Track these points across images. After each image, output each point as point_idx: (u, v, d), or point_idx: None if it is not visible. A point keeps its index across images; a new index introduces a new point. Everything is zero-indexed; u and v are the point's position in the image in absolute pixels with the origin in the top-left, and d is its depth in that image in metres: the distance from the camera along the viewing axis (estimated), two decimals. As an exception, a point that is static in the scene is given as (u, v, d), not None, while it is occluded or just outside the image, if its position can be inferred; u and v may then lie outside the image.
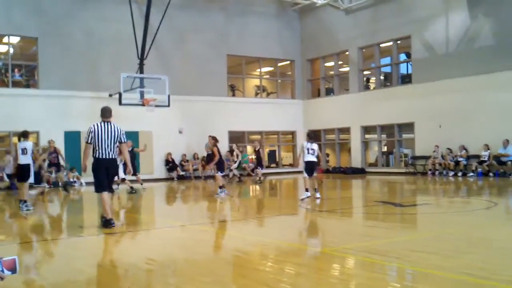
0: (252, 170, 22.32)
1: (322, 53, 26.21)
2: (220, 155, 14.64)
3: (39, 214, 11.63)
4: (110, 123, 8.59)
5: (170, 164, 23.00)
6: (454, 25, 20.15)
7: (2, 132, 20.73)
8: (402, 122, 22.68)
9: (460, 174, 19.56)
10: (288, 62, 27.61)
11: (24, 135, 12.01)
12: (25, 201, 11.66)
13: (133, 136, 18.97)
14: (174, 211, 12.85)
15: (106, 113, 8.63)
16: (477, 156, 19.39)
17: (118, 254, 6.91)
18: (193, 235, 8.21)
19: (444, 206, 11.47)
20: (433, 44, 21.02)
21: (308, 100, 27.20)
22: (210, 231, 8.67)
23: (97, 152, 8.47)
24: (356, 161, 24.59)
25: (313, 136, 13.02)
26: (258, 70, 27.46)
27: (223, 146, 20.98)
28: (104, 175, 8.55)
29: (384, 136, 24.99)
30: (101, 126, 8.52)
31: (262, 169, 20.36)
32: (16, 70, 21.03)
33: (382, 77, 25.31)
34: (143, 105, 19.47)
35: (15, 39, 21.31)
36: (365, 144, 24.89)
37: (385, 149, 26.04)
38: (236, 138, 25.15)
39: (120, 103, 18.74)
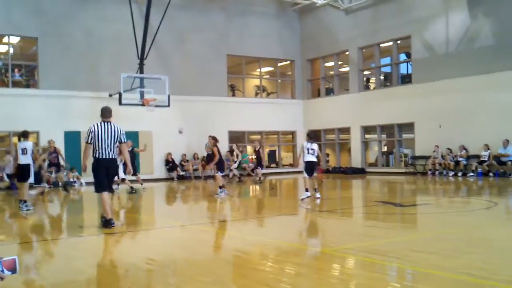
0: (252, 170, 22.31)
1: (322, 53, 26.21)
2: (220, 155, 14.64)
3: (39, 214, 11.63)
4: (110, 123, 8.60)
5: (170, 164, 22.99)
6: (454, 25, 20.15)
7: (2, 132, 20.73)
8: (402, 122, 22.68)
9: (460, 174, 19.56)
10: (288, 62, 27.60)
11: (24, 135, 12.01)
12: (25, 201, 11.66)
13: (133, 136, 18.97)
14: (174, 211, 12.85)
15: (106, 113, 8.63)
16: (477, 156, 19.39)
17: (118, 254, 6.91)
18: (193, 235, 8.21)
19: (444, 206, 11.47)
20: (433, 44, 21.01)
21: (308, 100, 27.19)
22: (210, 231, 8.66)
23: (97, 152, 8.48)
24: (356, 161, 24.59)
25: (313, 136, 13.03)
26: (258, 70, 27.45)
27: (223, 146, 20.97)
28: (104, 175, 8.56)
29: (384, 136, 24.98)
30: (101, 126, 8.52)
31: (262, 169, 20.35)
32: (16, 70, 21.02)
33: (382, 77, 25.30)
34: (143, 105, 19.48)
35: (15, 39, 21.31)
36: (365, 144, 24.89)
37: (385, 149, 26.02)
38: (236, 138, 25.14)
39: (120, 103, 18.75)
